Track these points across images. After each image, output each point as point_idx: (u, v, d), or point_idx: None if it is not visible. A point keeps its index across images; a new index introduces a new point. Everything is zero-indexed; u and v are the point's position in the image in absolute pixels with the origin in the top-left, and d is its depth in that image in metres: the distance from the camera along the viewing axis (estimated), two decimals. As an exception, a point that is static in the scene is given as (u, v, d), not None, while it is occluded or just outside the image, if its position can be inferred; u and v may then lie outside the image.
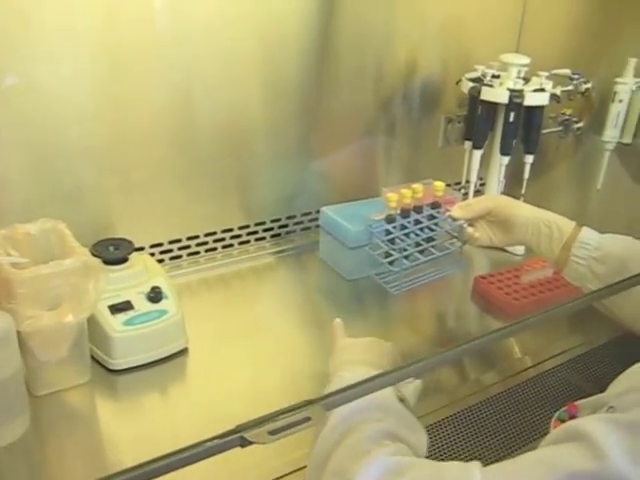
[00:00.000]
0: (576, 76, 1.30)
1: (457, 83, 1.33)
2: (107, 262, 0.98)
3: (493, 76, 1.28)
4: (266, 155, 1.26)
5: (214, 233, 1.27)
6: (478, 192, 1.40)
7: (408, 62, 1.37)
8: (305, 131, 1.29)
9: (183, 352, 1.00)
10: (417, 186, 1.20)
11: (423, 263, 1.19)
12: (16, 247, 0.88)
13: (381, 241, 1.17)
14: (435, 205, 1.22)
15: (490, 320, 1.16)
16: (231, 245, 1.29)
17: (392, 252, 1.16)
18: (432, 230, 1.21)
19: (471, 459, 0.56)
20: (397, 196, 1.18)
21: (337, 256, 1.25)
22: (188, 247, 1.24)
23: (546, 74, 1.26)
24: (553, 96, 1.24)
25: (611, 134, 1.27)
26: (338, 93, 1.30)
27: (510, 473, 0.54)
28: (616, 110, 1.25)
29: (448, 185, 1.29)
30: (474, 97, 1.27)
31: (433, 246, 1.20)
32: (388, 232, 1.17)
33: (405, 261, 1.16)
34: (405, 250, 1.17)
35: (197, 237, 1.25)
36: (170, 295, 1.00)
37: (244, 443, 0.49)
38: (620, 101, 1.24)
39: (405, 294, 1.17)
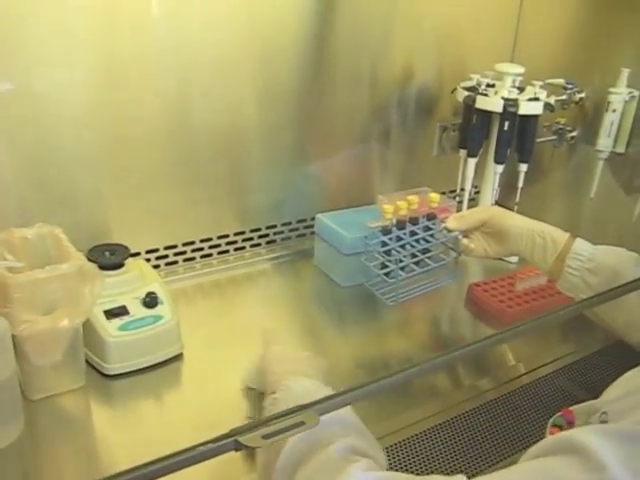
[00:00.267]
0: (570, 86, 1.31)
1: (452, 92, 1.34)
2: (103, 267, 0.98)
3: (488, 85, 1.29)
4: (262, 161, 1.27)
5: (210, 239, 1.27)
6: (473, 200, 1.41)
7: (404, 69, 1.37)
8: (301, 137, 1.29)
9: (178, 357, 1.00)
10: (412, 197, 1.20)
11: (419, 274, 1.20)
12: (12, 251, 0.88)
13: (377, 253, 1.17)
14: (430, 216, 1.23)
15: (484, 327, 1.16)
16: (227, 251, 1.30)
17: (388, 264, 1.17)
18: (428, 241, 1.22)
19: (465, 465, 0.56)
20: (393, 208, 1.18)
21: (332, 263, 1.26)
22: (184, 253, 1.24)
23: (540, 83, 1.27)
24: (547, 105, 1.25)
25: (604, 143, 1.28)
26: (334, 99, 1.31)
27: None
28: (609, 120, 1.26)
29: (443, 193, 1.30)
30: (469, 106, 1.28)
31: (429, 257, 1.21)
32: (384, 244, 1.18)
33: (401, 272, 1.17)
34: (401, 261, 1.17)
35: (193, 243, 1.25)
36: (165, 301, 1.00)
37: (238, 447, 0.50)
38: (613, 111, 1.25)
39: (401, 303, 1.18)
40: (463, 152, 1.34)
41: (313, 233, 1.31)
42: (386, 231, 1.18)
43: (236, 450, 0.49)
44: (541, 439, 0.58)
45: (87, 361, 0.94)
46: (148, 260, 1.17)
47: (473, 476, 0.55)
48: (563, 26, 1.40)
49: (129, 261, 1.03)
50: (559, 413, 0.76)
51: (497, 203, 1.34)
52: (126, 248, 1.04)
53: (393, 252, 1.18)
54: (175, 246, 1.23)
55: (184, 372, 0.99)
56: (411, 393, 0.97)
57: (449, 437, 0.90)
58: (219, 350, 1.03)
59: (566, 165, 1.43)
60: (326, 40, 1.26)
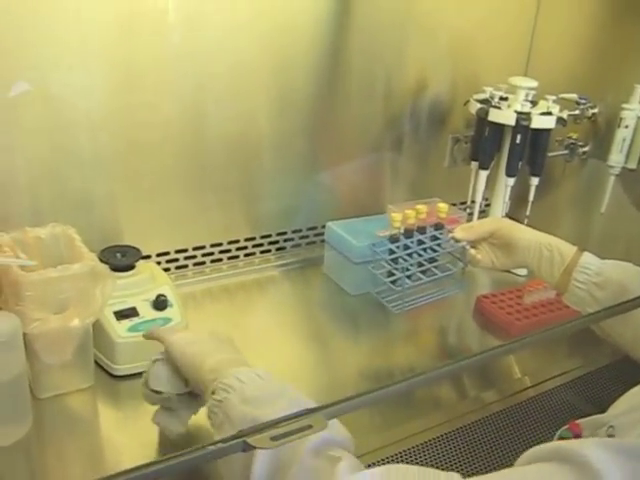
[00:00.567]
0: (583, 101, 1.32)
1: (465, 104, 1.35)
2: (114, 269, 0.99)
3: (501, 98, 1.29)
4: (274, 168, 1.27)
5: (220, 244, 1.28)
6: (483, 212, 1.41)
7: (418, 81, 1.38)
8: (313, 145, 1.30)
9: (186, 360, 1.00)
10: (421, 207, 1.21)
11: (425, 283, 1.21)
12: (26, 250, 0.89)
13: (384, 260, 1.18)
14: (438, 226, 1.24)
15: (491, 339, 1.16)
16: (237, 257, 1.30)
17: (395, 271, 1.17)
18: (435, 251, 1.22)
19: (469, 477, 0.56)
20: (401, 216, 1.19)
21: (341, 271, 1.26)
22: (194, 257, 1.25)
23: (553, 98, 1.27)
24: (560, 120, 1.25)
25: (616, 159, 1.28)
26: (347, 108, 1.31)
27: None
28: (622, 135, 1.26)
29: (453, 205, 1.31)
30: (481, 118, 1.28)
31: (436, 267, 1.22)
32: (391, 251, 1.18)
33: (408, 281, 1.17)
34: (408, 270, 1.18)
35: (203, 247, 1.26)
36: (175, 303, 1.01)
37: (246, 448, 0.50)
38: (626, 127, 1.25)
39: (407, 312, 1.18)
40: (474, 164, 1.34)
41: (323, 241, 1.32)
42: (394, 239, 1.18)
43: (244, 451, 0.50)
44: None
45: (96, 361, 0.95)
46: (159, 263, 1.18)
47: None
48: (577, 41, 1.41)
49: (140, 263, 1.04)
50: (566, 426, 0.77)
51: (507, 216, 1.34)
52: (137, 250, 1.05)
53: (400, 260, 1.18)
54: (186, 250, 1.24)
55: (191, 375, 0.99)
56: (415, 403, 0.98)
57: (453, 448, 0.90)
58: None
59: (577, 180, 1.43)
60: (340, 51, 1.27)
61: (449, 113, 1.46)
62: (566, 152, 1.38)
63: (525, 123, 1.23)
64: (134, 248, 1.05)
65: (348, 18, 1.25)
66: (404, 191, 1.45)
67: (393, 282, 1.17)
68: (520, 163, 1.29)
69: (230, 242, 1.29)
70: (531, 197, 1.32)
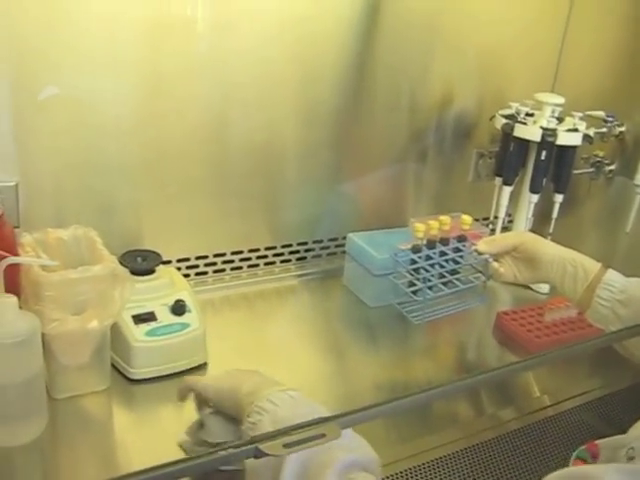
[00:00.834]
0: (610, 119, 1.31)
1: (491, 119, 1.34)
2: (134, 272, 1.00)
3: (527, 114, 1.29)
4: (297, 178, 1.28)
5: (241, 252, 1.28)
6: (505, 229, 1.40)
7: (443, 95, 1.38)
8: (337, 156, 1.30)
9: (202, 367, 1.00)
10: (444, 218, 1.21)
11: (446, 295, 1.20)
12: (47, 251, 0.89)
13: (405, 270, 1.17)
14: (461, 238, 1.23)
15: (510, 356, 1.15)
16: (257, 265, 1.30)
17: (416, 282, 1.17)
18: (457, 263, 1.22)
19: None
20: (424, 226, 1.19)
21: (361, 283, 1.26)
22: (214, 264, 1.25)
23: (580, 115, 1.26)
24: (586, 137, 1.24)
25: (643, 178, 1.27)
26: (372, 121, 1.31)
27: None
28: (649, 155, 1.25)
29: (476, 220, 1.30)
30: (507, 134, 1.28)
31: (457, 279, 1.21)
32: (413, 261, 1.18)
33: (428, 291, 1.17)
34: (429, 281, 1.17)
35: (224, 255, 1.26)
36: (194, 309, 1.01)
37: (258, 454, 0.50)
38: (653, 146, 1.24)
39: (426, 324, 1.17)
40: (498, 180, 1.33)
41: (344, 252, 1.31)
42: (416, 249, 1.18)
43: (256, 457, 0.50)
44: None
45: (112, 364, 0.95)
46: (179, 269, 1.18)
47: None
48: (605, 59, 1.40)
49: (160, 268, 1.04)
50: (583, 446, 0.75)
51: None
52: (158, 255, 1.05)
53: (421, 271, 1.17)
54: (206, 256, 1.24)
55: (207, 381, 0.99)
56: (431, 418, 0.97)
57: (468, 466, 0.89)
58: (243, 362, 1.02)
59: (602, 198, 1.42)
60: (366, 64, 1.27)
61: (474, 128, 1.45)
62: (592, 170, 1.37)
63: (551, 139, 1.22)
64: (155, 253, 1.06)
65: (375, 32, 1.25)
66: (427, 204, 1.45)
67: (414, 292, 1.16)
68: (544, 180, 1.28)
69: (251, 250, 1.29)
70: (555, 214, 1.30)
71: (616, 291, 0.93)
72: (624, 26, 1.37)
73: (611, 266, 0.97)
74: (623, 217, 1.32)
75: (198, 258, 1.23)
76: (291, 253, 1.34)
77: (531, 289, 1.33)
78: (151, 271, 1.02)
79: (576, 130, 1.24)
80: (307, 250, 1.36)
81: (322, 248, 1.37)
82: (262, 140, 1.21)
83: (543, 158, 1.24)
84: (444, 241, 1.21)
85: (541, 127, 1.24)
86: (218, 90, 1.13)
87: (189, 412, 0.92)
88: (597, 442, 0.74)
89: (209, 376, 0.83)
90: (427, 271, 1.18)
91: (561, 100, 1.27)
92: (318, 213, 1.33)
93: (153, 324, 0.96)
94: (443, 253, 1.21)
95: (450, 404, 1.00)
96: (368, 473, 0.60)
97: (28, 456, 0.81)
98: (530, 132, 1.24)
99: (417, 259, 1.17)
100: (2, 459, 0.80)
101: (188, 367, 0.98)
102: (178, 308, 0.99)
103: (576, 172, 1.32)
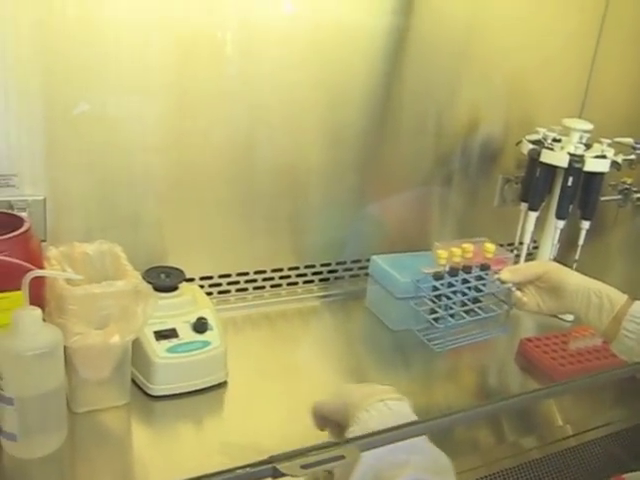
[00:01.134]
0: (639, 146, 1.29)
1: (517, 144, 1.33)
2: (157, 289, 1.00)
3: (554, 140, 1.28)
4: (321, 200, 1.28)
5: (264, 272, 1.28)
6: (530, 255, 1.39)
7: (470, 119, 1.38)
8: (361, 179, 1.30)
9: (222, 385, 1.00)
10: (467, 245, 1.20)
11: (468, 323, 1.19)
12: (72, 265, 0.90)
13: (427, 297, 1.16)
14: (484, 267, 1.22)
15: (533, 384, 1.13)
16: (279, 285, 1.31)
17: (437, 309, 1.16)
18: (479, 291, 1.21)
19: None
20: (447, 253, 1.18)
21: (384, 306, 1.25)
22: (237, 283, 1.26)
23: (608, 141, 1.25)
24: (614, 164, 1.23)
25: (672, 207, 1.25)
26: (397, 144, 1.32)
27: None
28: (678, 183, 1.23)
29: (501, 245, 1.29)
30: (533, 159, 1.27)
31: (479, 307, 1.20)
32: (435, 288, 1.17)
33: (450, 319, 1.16)
34: (451, 308, 1.16)
35: (247, 274, 1.26)
36: (215, 327, 1.01)
37: (276, 474, 0.49)
38: (683, 175, 1.23)
39: (448, 351, 1.16)
40: (524, 205, 1.32)
41: (367, 274, 1.31)
42: (438, 276, 1.17)
43: (273, 477, 0.49)
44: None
45: (133, 380, 0.95)
46: (202, 287, 1.18)
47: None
48: (634, 85, 1.39)
49: (183, 285, 1.04)
50: (611, 480, 0.74)
51: (556, 259, 1.32)
52: (181, 272, 1.06)
53: (443, 298, 1.17)
54: (229, 275, 1.24)
55: (227, 400, 0.98)
56: (452, 444, 0.95)
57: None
58: (264, 382, 1.03)
59: (630, 226, 1.40)
60: (393, 88, 1.27)
61: (501, 152, 1.45)
62: (619, 197, 1.35)
63: (578, 165, 1.21)
64: (178, 270, 1.06)
65: (403, 57, 1.26)
66: (452, 229, 1.44)
67: (435, 319, 1.16)
68: (571, 206, 1.27)
69: (274, 270, 1.29)
70: (581, 241, 1.29)
71: None
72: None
73: (638, 295, 0.96)
74: (651, 246, 1.30)
75: (221, 276, 1.24)
76: (314, 274, 1.34)
77: (555, 316, 1.31)
78: (174, 288, 1.03)
79: (604, 157, 1.23)
80: (330, 271, 1.35)
81: (345, 270, 1.37)
82: (288, 162, 1.21)
83: (570, 184, 1.24)
84: (467, 269, 1.21)
85: (568, 153, 1.23)
86: (245, 112, 1.14)
87: (208, 431, 0.92)
88: (625, 476, 0.72)
89: (320, 400, 0.81)
90: (449, 298, 1.17)
91: (589, 126, 1.26)
92: (342, 235, 1.33)
93: (175, 341, 0.96)
94: (465, 281, 1.20)
95: (471, 430, 0.98)
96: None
97: (46, 469, 0.81)
98: (557, 158, 1.23)
99: (439, 286, 1.17)
100: (21, 471, 0.80)
101: (208, 385, 0.98)
102: (200, 326, 0.99)
103: (603, 199, 1.31)
